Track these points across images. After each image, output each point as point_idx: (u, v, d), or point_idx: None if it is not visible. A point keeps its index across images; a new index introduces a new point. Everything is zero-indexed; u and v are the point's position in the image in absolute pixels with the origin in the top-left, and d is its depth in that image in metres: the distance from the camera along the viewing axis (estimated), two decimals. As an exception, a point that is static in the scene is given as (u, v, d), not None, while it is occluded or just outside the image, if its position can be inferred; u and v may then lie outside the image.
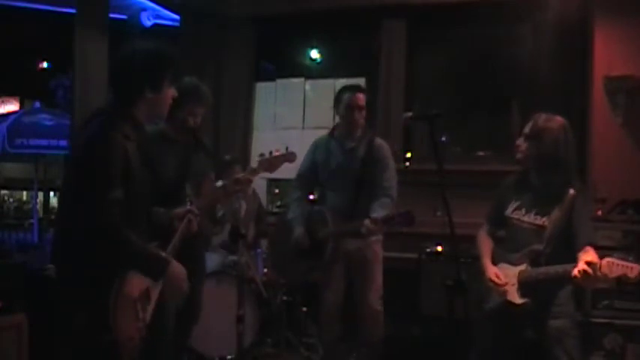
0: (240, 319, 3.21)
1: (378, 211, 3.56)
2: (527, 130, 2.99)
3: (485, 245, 3.12)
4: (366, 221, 3.46)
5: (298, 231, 3.85)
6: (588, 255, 2.71)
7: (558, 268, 2.80)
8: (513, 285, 2.90)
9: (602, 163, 4.79)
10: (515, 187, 3.11)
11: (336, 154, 3.84)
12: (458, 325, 3.12)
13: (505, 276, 2.94)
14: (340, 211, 3.75)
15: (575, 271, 2.65)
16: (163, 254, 2.44)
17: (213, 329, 4.13)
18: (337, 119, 3.98)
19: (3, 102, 11.91)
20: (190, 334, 3.58)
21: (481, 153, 5.70)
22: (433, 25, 5.74)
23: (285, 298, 4.89)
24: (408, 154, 5.50)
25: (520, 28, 5.56)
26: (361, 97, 3.78)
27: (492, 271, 2.97)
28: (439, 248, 4.54)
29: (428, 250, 4.59)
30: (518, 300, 2.88)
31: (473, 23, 5.57)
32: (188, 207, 2.83)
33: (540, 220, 2.94)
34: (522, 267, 2.91)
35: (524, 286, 2.88)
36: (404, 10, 5.60)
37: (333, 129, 3.98)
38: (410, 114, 3.17)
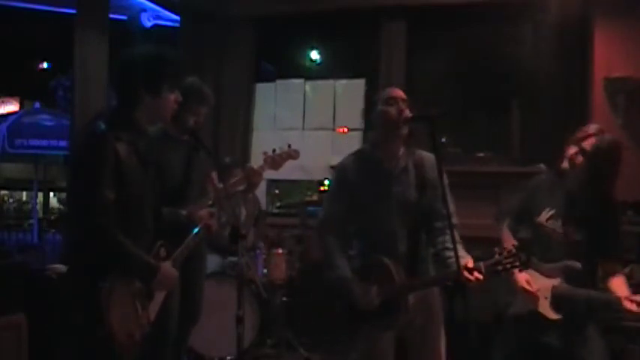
0: (239, 320, 3.20)
1: (463, 254, 2.63)
2: (586, 145, 2.88)
3: (510, 244, 2.83)
4: (466, 273, 2.50)
5: (360, 289, 2.74)
6: (623, 286, 2.77)
7: (602, 296, 2.81)
8: (546, 298, 2.84)
9: (602, 164, 4.78)
10: (549, 191, 3.00)
11: (381, 181, 2.78)
12: (457, 328, 3.10)
13: (534, 284, 2.88)
14: (399, 258, 2.74)
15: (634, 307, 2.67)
16: (152, 261, 2.43)
17: (213, 330, 4.13)
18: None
19: (3, 102, 11.90)
20: (189, 334, 3.59)
21: (481, 154, 5.69)
22: (433, 25, 5.74)
23: (284, 298, 4.89)
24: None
25: (520, 28, 5.57)
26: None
27: (523, 278, 2.86)
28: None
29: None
30: (552, 315, 2.83)
31: (473, 23, 5.57)
32: (208, 209, 2.85)
33: (578, 235, 2.88)
34: (556, 282, 2.85)
35: (558, 301, 2.83)
36: (404, 10, 5.60)
37: (368, 148, 2.90)
38: (410, 115, 3.15)
